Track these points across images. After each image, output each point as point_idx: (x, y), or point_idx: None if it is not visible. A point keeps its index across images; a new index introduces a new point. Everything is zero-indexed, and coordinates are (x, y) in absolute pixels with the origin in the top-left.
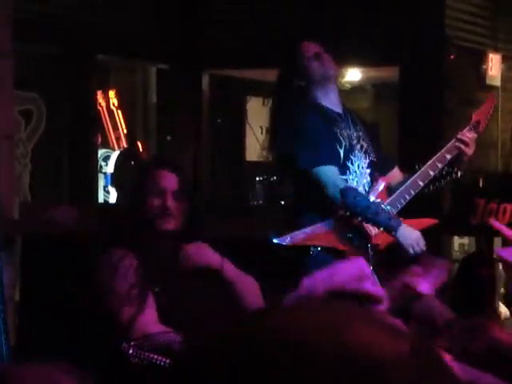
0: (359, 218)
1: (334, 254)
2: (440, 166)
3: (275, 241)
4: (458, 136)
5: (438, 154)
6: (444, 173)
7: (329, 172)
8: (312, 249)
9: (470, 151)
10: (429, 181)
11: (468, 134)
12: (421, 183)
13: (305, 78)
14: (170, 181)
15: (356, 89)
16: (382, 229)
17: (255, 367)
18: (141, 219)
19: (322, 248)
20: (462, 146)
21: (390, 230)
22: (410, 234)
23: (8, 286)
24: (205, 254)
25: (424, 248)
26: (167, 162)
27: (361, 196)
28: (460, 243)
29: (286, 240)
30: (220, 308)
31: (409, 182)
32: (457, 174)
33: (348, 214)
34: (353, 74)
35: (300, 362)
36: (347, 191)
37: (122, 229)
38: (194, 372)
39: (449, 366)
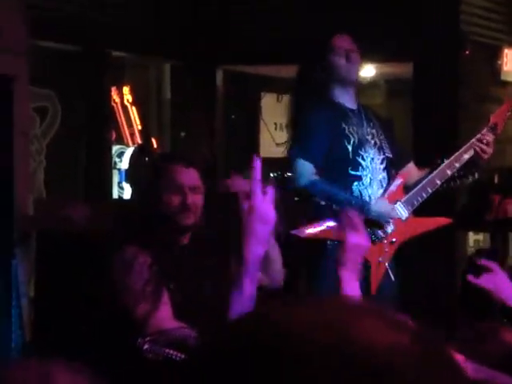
0: (333, 205)
1: None
2: (457, 165)
3: (293, 232)
4: (478, 136)
5: (456, 154)
6: (461, 173)
7: (304, 167)
8: (329, 242)
9: (488, 153)
10: (445, 180)
11: (487, 136)
12: (438, 182)
13: (327, 73)
14: (187, 176)
15: (369, 85)
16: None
17: (256, 363)
18: (158, 216)
19: (338, 242)
20: (482, 147)
21: (362, 207)
22: (381, 208)
23: (23, 282)
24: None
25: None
26: (182, 157)
27: (327, 185)
28: (475, 239)
29: (304, 232)
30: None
31: (426, 180)
32: (473, 175)
33: (323, 202)
34: (366, 70)
35: (299, 360)
36: (314, 183)
37: (136, 226)
38: (204, 368)
39: (454, 359)
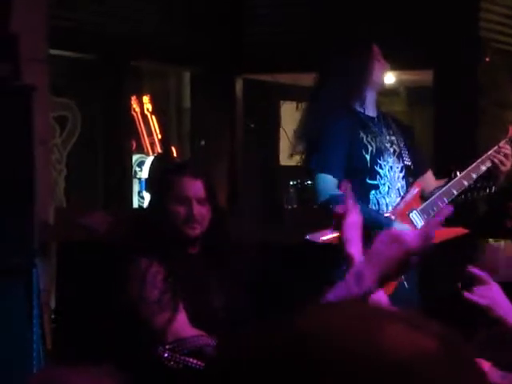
0: None
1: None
2: (474, 176)
3: (308, 237)
4: (496, 148)
5: (473, 164)
6: (479, 185)
7: (326, 180)
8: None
9: (506, 165)
10: (462, 190)
11: (505, 149)
12: (454, 192)
13: (359, 78)
14: (193, 188)
15: (390, 92)
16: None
17: (281, 372)
18: (166, 227)
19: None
20: (500, 158)
21: (386, 225)
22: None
23: (44, 291)
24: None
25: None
26: (189, 169)
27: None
28: (495, 247)
29: (320, 238)
30: (249, 311)
31: (443, 190)
32: (491, 188)
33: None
34: (387, 78)
35: (325, 368)
36: (333, 198)
37: (146, 237)
38: (224, 377)
39: (478, 363)
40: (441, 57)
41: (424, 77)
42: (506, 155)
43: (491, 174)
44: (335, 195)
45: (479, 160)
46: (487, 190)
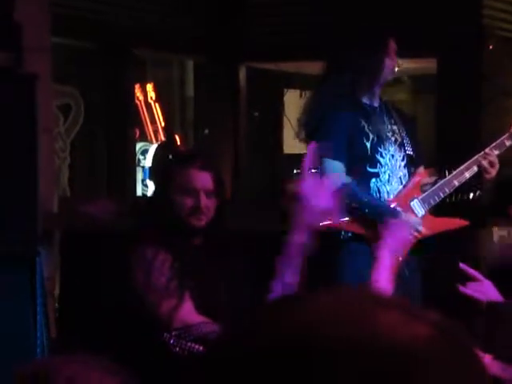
0: (366, 210)
1: (364, 241)
2: (467, 175)
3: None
4: (483, 153)
5: (465, 164)
6: (465, 187)
7: (335, 166)
8: (342, 233)
9: (491, 173)
10: (463, 183)
11: (492, 155)
12: (456, 183)
13: (370, 72)
14: (201, 180)
15: (393, 81)
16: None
17: (280, 362)
18: (172, 217)
19: (352, 233)
20: (484, 166)
21: (393, 216)
22: (410, 220)
23: (47, 280)
24: None
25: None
26: (199, 160)
27: (356, 193)
28: (500, 235)
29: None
30: (251, 300)
31: (444, 180)
32: (475, 192)
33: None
34: None
35: (325, 358)
36: (348, 185)
37: (153, 226)
38: (225, 366)
39: (475, 350)
40: (444, 45)
41: (428, 65)
42: (490, 162)
43: (479, 176)
44: (347, 183)
45: (469, 161)
46: (470, 194)
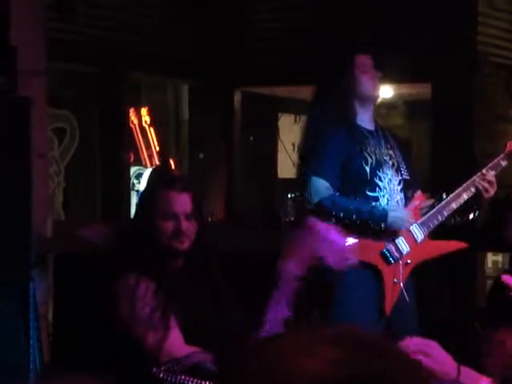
0: (347, 221)
1: (367, 268)
2: (465, 196)
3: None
4: (480, 175)
5: (463, 186)
6: (465, 208)
7: (319, 183)
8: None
9: (490, 192)
10: (459, 206)
11: (489, 175)
12: (454, 206)
13: (346, 92)
14: (181, 203)
15: (388, 106)
16: (370, 222)
17: None
18: (153, 241)
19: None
20: (484, 185)
21: (379, 221)
22: (398, 218)
23: (41, 304)
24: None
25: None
26: (176, 183)
27: (339, 199)
28: (494, 260)
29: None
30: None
31: (443, 203)
32: (474, 213)
33: (338, 218)
34: (385, 91)
35: None
36: (324, 200)
37: (134, 252)
38: None
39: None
40: (438, 71)
41: (422, 90)
42: (489, 182)
43: (477, 198)
44: (330, 195)
45: (466, 183)
46: (468, 216)
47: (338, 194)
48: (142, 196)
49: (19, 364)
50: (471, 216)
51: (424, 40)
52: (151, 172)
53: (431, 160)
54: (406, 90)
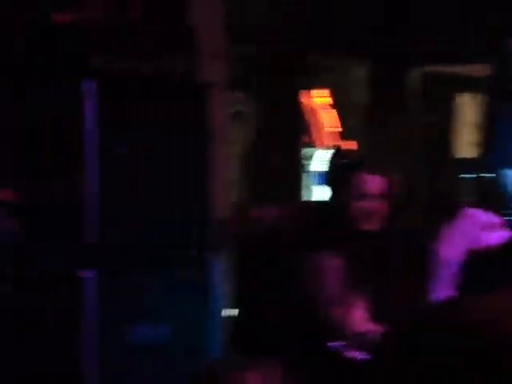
0: None
1: None
2: None
3: None
4: None
5: None
6: None
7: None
8: None
9: None
10: None
11: None
12: None
13: None
14: (372, 184)
15: None
16: None
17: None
18: (345, 222)
19: None
20: None
21: None
22: None
23: (221, 284)
24: None
25: None
26: (369, 165)
27: None
28: None
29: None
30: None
31: None
32: None
33: None
34: None
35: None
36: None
37: (328, 232)
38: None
39: None
40: None
41: None
42: None
43: None
44: None
45: None
46: None
47: None
48: (331, 176)
49: (201, 341)
50: None
51: None
52: (332, 153)
53: None
54: None
